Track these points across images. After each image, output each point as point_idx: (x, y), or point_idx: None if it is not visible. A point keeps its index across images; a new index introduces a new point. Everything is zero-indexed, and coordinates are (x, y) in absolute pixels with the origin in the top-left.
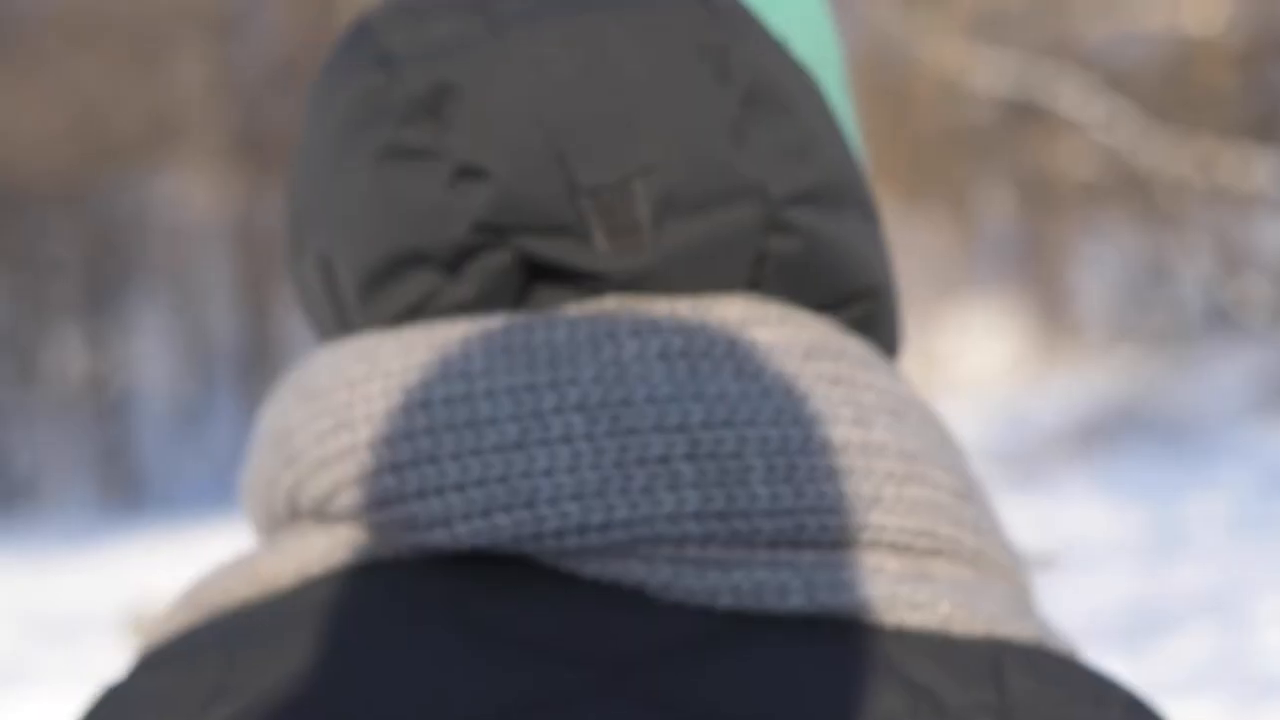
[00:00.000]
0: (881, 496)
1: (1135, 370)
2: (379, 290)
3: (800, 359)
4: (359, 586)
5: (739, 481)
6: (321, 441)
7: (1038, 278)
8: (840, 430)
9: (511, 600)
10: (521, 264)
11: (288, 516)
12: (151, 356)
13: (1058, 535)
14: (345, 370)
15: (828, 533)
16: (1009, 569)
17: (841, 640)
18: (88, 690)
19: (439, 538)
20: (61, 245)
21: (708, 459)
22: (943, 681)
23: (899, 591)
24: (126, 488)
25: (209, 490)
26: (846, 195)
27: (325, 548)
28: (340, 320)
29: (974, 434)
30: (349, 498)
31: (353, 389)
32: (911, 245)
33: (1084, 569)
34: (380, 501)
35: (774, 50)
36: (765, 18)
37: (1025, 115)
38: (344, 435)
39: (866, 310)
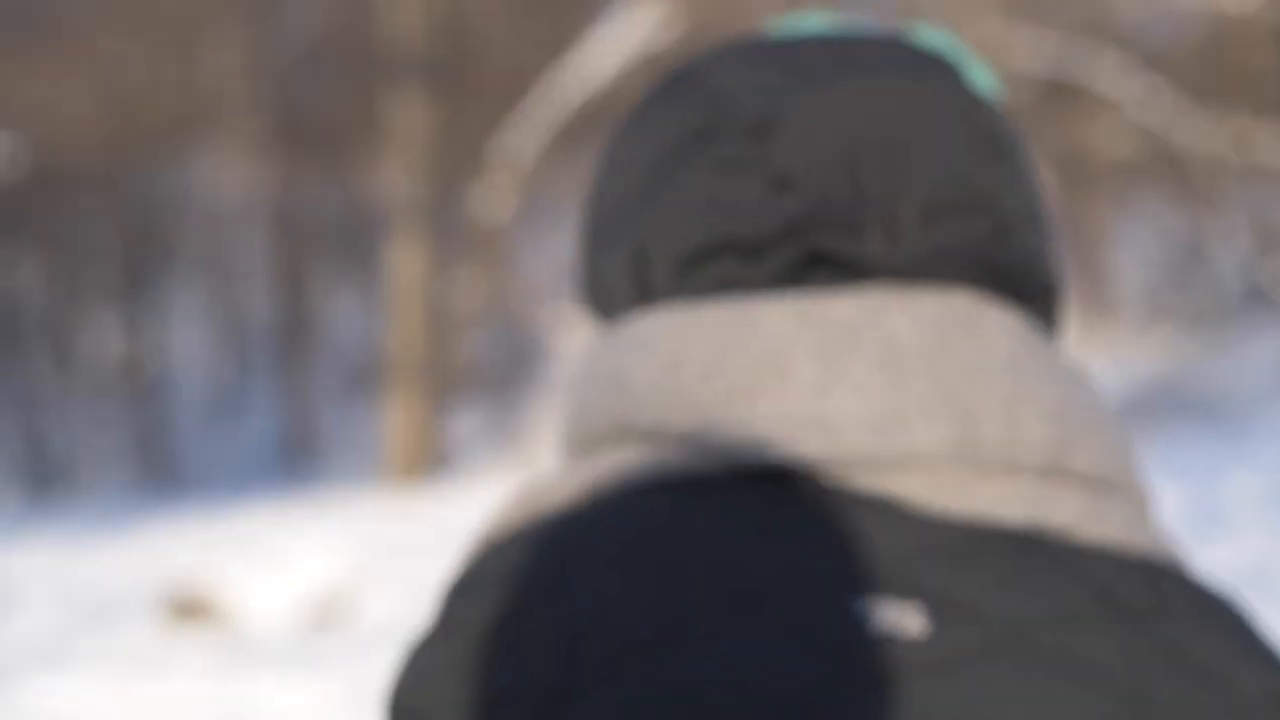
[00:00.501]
0: (1082, 444)
1: (1172, 350)
2: (696, 270)
3: (1021, 336)
4: (680, 493)
5: (980, 422)
6: (656, 378)
7: (1074, 257)
8: (1053, 389)
9: (816, 509)
10: (809, 255)
11: (613, 439)
12: (187, 340)
13: None
14: (673, 326)
15: (1042, 467)
16: (1149, 503)
17: (1047, 550)
18: (125, 671)
19: (752, 457)
20: (98, 229)
21: (957, 403)
22: (1117, 581)
23: (1088, 513)
24: (163, 470)
25: (245, 472)
26: (1042, 218)
27: (646, 458)
28: (644, 298)
29: None
30: (678, 422)
31: (682, 338)
32: None
33: None
34: (705, 428)
35: (996, 111)
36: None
37: (1062, 94)
38: (676, 373)
39: (1048, 304)
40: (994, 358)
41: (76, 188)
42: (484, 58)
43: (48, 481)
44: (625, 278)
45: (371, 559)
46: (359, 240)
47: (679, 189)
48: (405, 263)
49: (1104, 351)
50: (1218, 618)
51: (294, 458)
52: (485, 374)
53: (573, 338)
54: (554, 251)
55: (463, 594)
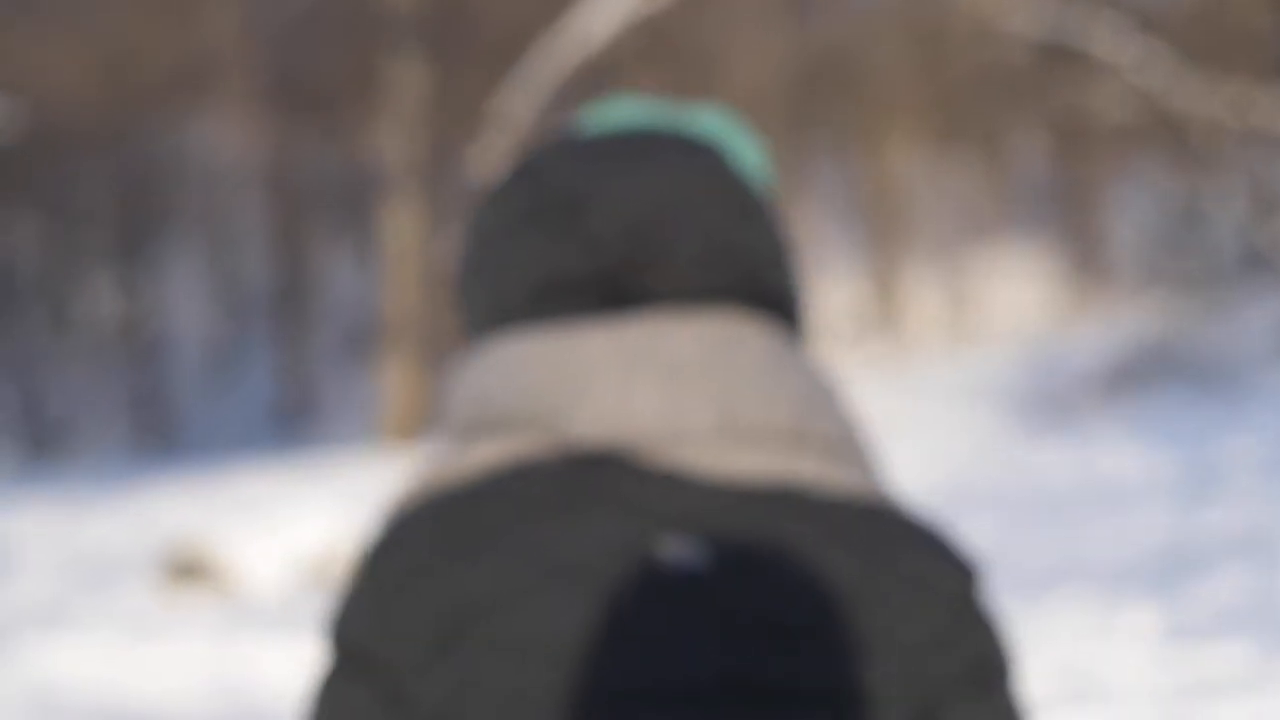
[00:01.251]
0: (818, 422)
1: (1169, 313)
2: (538, 305)
3: (770, 344)
4: (535, 468)
5: (737, 406)
6: (507, 386)
7: (1071, 221)
8: (796, 382)
9: (620, 477)
10: (615, 292)
11: (481, 429)
12: (184, 302)
13: (1091, 477)
14: (518, 348)
15: (788, 438)
16: (875, 464)
17: (792, 499)
18: (124, 633)
19: (576, 444)
20: (94, 191)
21: (720, 394)
22: (847, 519)
23: (824, 472)
24: (160, 432)
25: (241, 434)
26: (786, 259)
27: (517, 445)
28: (500, 325)
29: (1007, 377)
30: (531, 415)
31: (525, 357)
32: (944, 189)
33: (1117, 511)
34: (553, 418)
35: (748, 181)
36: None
37: (1059, 57)
38: (522, 383)
39: (793, 320)
40: (749, 361)
41: (73, 150)
42: (480, 20)
43: (44, 444)
44: (485, 312)
45: (367, 520)
46: (355, 202)
47: (522, 249)
48: (401, 225)
49: (1100, 315)
50: (924, 542)
51: (290, 420)
52: None
53: None
54: None
55: (384, 551)
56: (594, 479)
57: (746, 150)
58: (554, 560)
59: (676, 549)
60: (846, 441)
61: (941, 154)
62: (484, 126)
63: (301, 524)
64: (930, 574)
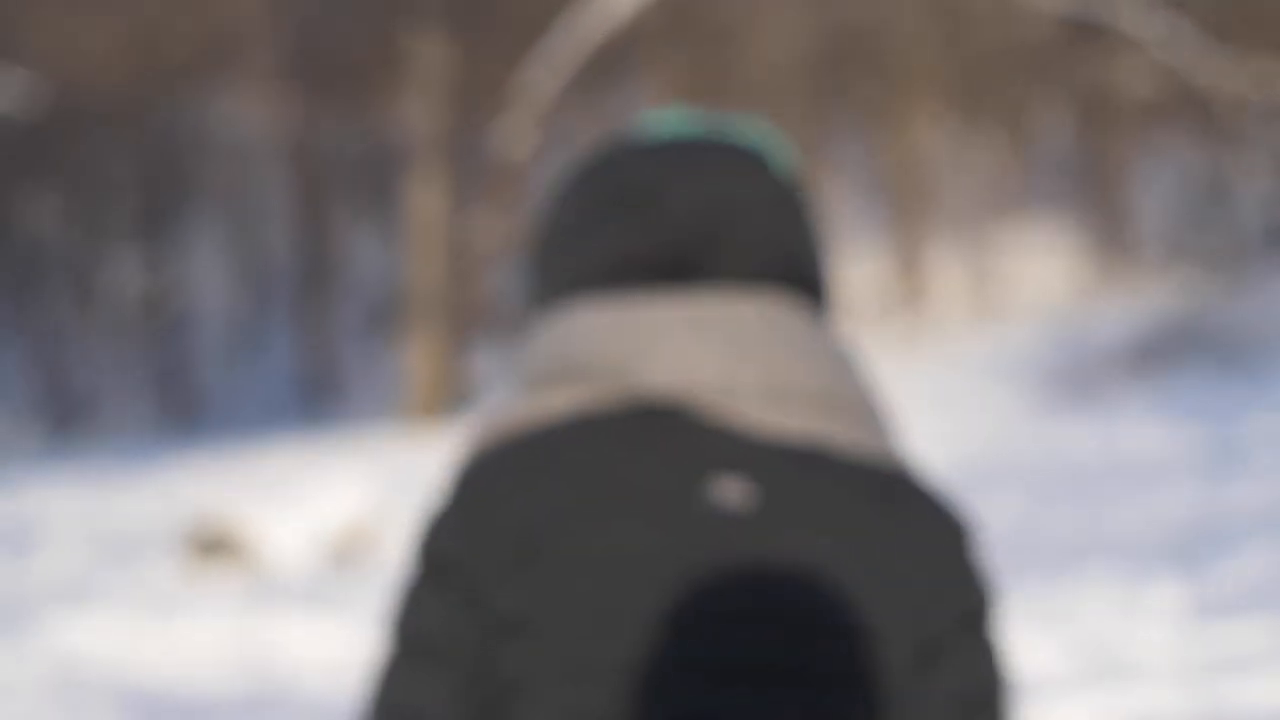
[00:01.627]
0: (844, 389)
1: (1193, 289)
2: (615, 278)
3: (807, 323)
4: (605, 412)
5: (780, 371)
6: (588, 343)
7: (1095, 196)
8: (826, 355)
9: (680, 423)
10: (685, 265)
11: (557, 379)
12: (208, 278)
13: (1116, 453)
14: (601, 312)
15: (819, 400)
16: (893, 431)
17: (819, 454)
18: (149, 609)
19: (650, 389)
20: (118, 166)
21: (767, 360)
22: (864, 477)
23: (848, 432)
24: (183, 408)
25: (265, 410)
26: (821, 251)
27: (589, 392)
28: (578, 292)
29: (1031, 354)
30: (604, 368)
31: (605, 318)
32: (968, 164)
33: (1142, 487)
34: (623, 370)
35: (791, 182)
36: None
37: (1083, 33)
38: (601, 340)
39: (825, 303)
40: (792, 335)
41: (97, 125)
42: None
43: (69, 420)
44: (563, 283)
45: (392, 496)
46: (379, 177)
47: (603, 228)
48: (425, 200)
49: (1124, 291)
50: (931, 504)
51: (314, 395)
52: (504, 311)
53: None
54: None
55: (470, 475)
56: (657, 423)
57: (784, 156)
58: (621, 489)
59: (725, 490)
60: (869, 408)
61: (965, 130)
62: (507, 101)
63: (326, 500)
64: (935, 532)
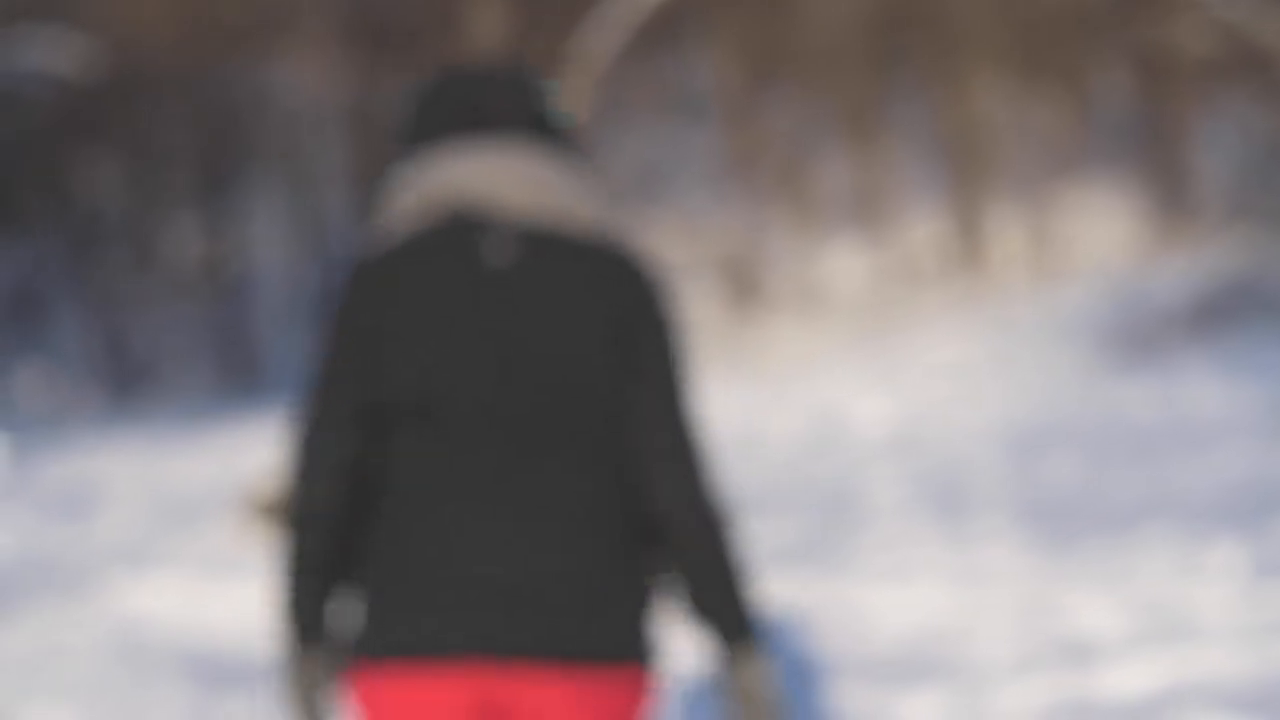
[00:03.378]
0: (572, 197)
1: (1254, 248)
2: (440, 133)
3: (547, 153)
4: (425, 236)
5: (535, 187)
6: (422, 177)
7: (1155, 156)
8: (564, 172)
9: (468, 212)
10: (478, 125)
11: (410, 189)
12: (267, 242)
13: (1176, 414)
14: (437, 154)
15: (556, 205)
16: (605, 222)
17: (555, 237)
18: (208, 571)
19: (456, 210)
20: (177, 131)
21: (527, 178)
22: (581, 250)
23: (571, 218)
24: (243, 371)
25: None
26: (555, 120)
27: (418, 198)
28: (420, 144)
29: (1091, 314)
30: (430, 181)
31: (438, 157)
32: (1027, 125)
33: (1203, 447)
34: (440, 183)
35: (542, 94)
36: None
37: None
38: (430, 175)
39: (559, 141)
40: (534, 155)
41: (155, 90)
42: None
43: (129, 384)
44: (421, 138)
45: None
46: None
47: (437, 111)
48: None
49: (1185, 251)
50: (633, 261)
51: None
52: None
53: (649, 238)
54: (631, 151)
55: (354, 280)
56: (458, 216)
57: (545, 88)
58: (434, 254)
59: (491, 249)
60: (584, 192)
61: (1024, 90)
62: (565, 65)
63: None
64: (632, 276)
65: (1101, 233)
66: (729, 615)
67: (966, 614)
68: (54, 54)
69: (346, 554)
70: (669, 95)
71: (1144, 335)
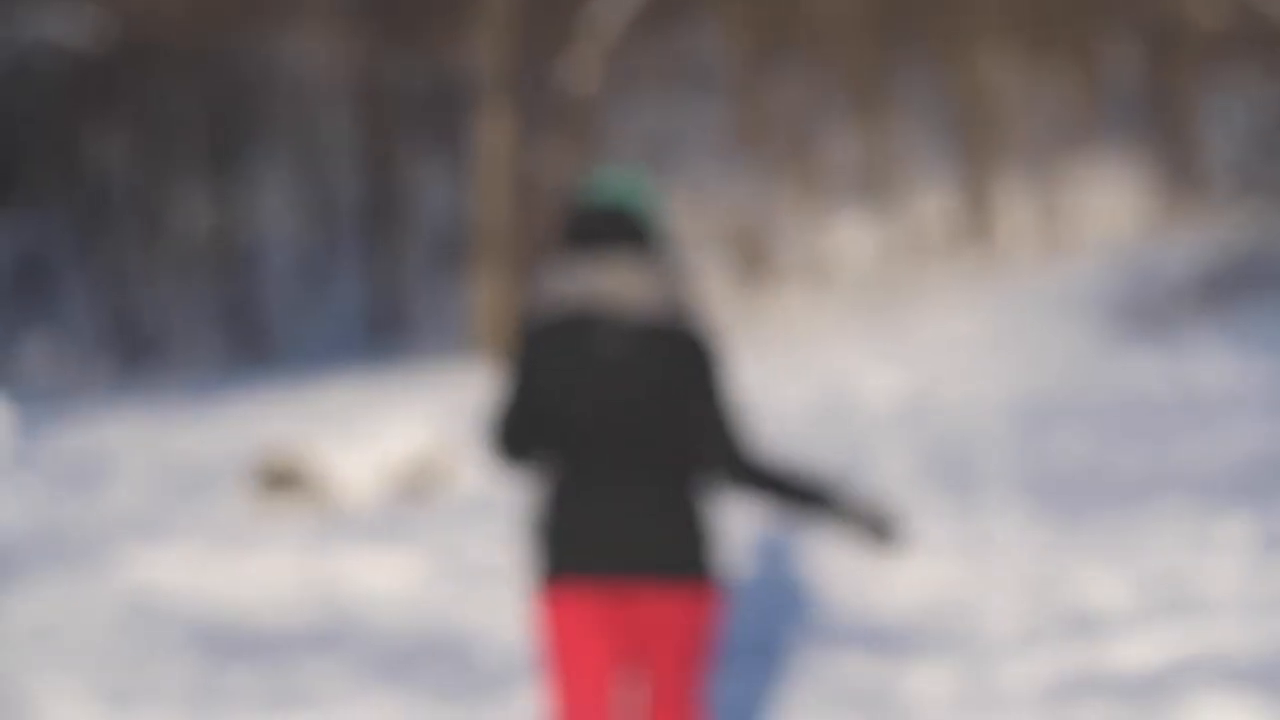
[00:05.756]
0: (671, 296)
1: (1262, 222)
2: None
3: (653, 260)
4: (566, 310)
5: (644, 290)
6: (562, 282)
7: (1164, 129)
8: (664, 273)
9: (594, 313)
10: (602, 248)
11: (562, 285)
12: (276, 214)
13: (1185, 387)
14: (576, 261)
15: (656, 303)
16: (695, 312)
17: (661, 325)
18: (218, 542)
19: (581, 309)
20: (186, 104)
21: (638, 283)
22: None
23: (668, 319)
24: (252, 344)
25: (333, 345)
26: (664, 232)
27: (562, 296)
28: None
29: (1099, 288)
30: (572, 296)
31: (578, 263)
32: (1036, 98)
33: (1211, 421)
34: (578, 285)
35: (650, 212)
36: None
37: None
38: (565, 280)
39: (662, 250)
40: (642, 264)
41: (164, 62)
42: None
43: (139, 356)
44: (568, 248)
45: (458, 430)
46: (446, 113)
47: (583, 228)
48: (492, 135)
49: (1194, 224)
50: (701, 339)
51: (382, 330)
52: None
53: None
54: (641, 122)
55: (525, 340)
56: (587, 313)
57: (649, 197)
58: (568, 345)
59: (607, 345)
60: (681, 297)
61: (1033, 63)
62: (575, 36)
63: (393, 434)
64: (695, 344)
65: (1110, 206)
66: (799, 493)
67: (974, 587)
68: (64, 26)
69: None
70: (678, 67)
71: (1152, 309)
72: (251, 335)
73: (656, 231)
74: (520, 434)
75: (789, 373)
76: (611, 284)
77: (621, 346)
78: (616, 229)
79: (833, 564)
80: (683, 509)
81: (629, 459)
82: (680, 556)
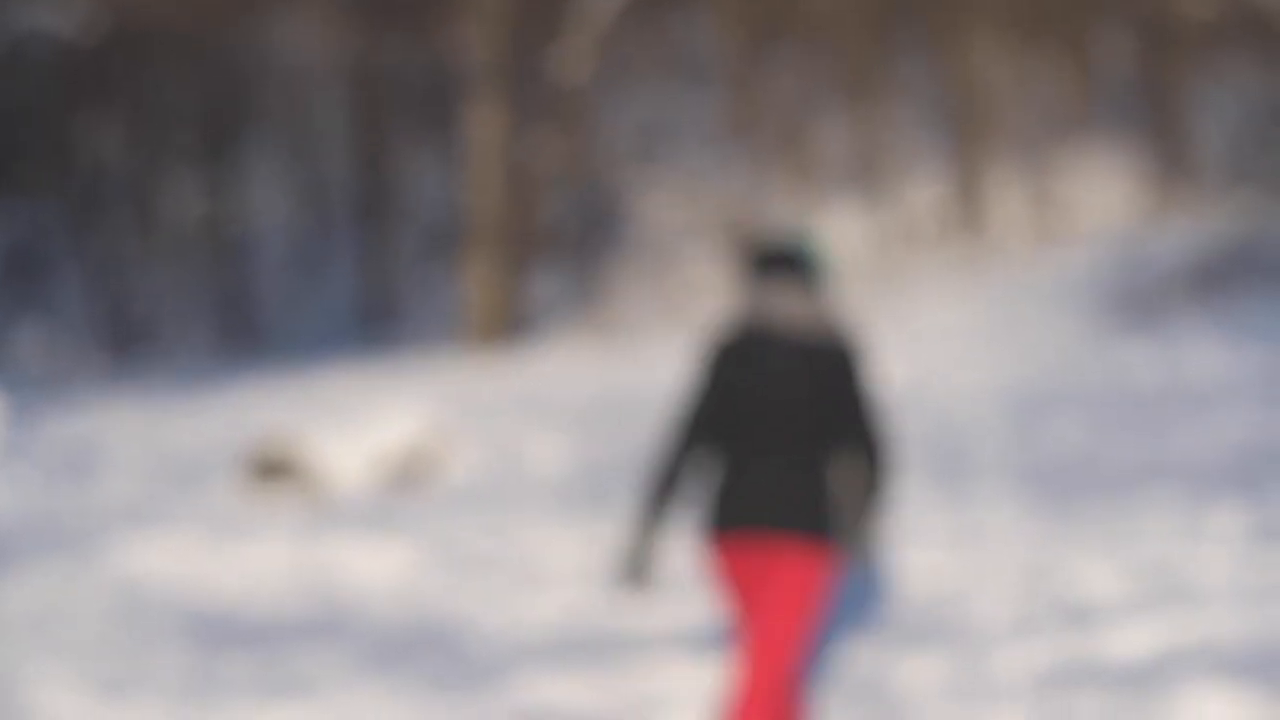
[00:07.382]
0: (820, 314)
1: (1254, 212)
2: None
3: (809, 291)
4: (747, 328)
5: (801, 311)
6: (744, 306)
7: (1156, 120)
8: (816, 299)
9: (769, 330)
10: (774, 276)
11: (737, 321)
12: (268, 202)
13: (1177, 377)
14: (755, 288)
15: (811, 322)
16: (844, 330)
17: (817, 340)
18: (209, 531)
19: (764, 318)
20: (179, 92)
21: (798, 305)
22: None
23: (823, 336)
24: (244, 332)
25: (325, 334)
26: (824, 269)
27: (743, 314)
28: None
29: (1092, 277)
30: (750, 317)
31: (754, 290)
32: (1028, 88)
33: (1203, 411)
34: (749, 320)
35: (815, 259)
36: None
37: None
38: (747, 303)
39: (819, 280)
40: (804, 291)
41: (157, 52)
42: None
43: (131, 345)
44: (749, 276)
45: (451, 420)
46: (439, 102)
47: (763, 260)
48: (485, 124)
49: (1185, 214)
50: (851, 346)
51: (374, 320)
52: (564, 236)
53: (650, 200)
54: (633, 112)
55: (713, 350)
56: (761, 331)
57: (816, 245)
58: (748, 357)
59: (775, 359)
60: (831, 318)
61: (1027, 53)
62: (567, 25)
63: (385, 424)
64: (845, 355)
65: (1102, 196)
66: (867, 519)
67: (968, 576)
68: (57, 15)
69: (675, 489)
70: (670, 57)
71: (1145, 299)
72: (244, 324)
73: (818, 270)
74: (703, 427)
75: None
76: (781, 308)
77: (786, 360)
78: (787, 266)
79: None
80: (814, 487)
81: (779, 447)
82: (804, 521)
